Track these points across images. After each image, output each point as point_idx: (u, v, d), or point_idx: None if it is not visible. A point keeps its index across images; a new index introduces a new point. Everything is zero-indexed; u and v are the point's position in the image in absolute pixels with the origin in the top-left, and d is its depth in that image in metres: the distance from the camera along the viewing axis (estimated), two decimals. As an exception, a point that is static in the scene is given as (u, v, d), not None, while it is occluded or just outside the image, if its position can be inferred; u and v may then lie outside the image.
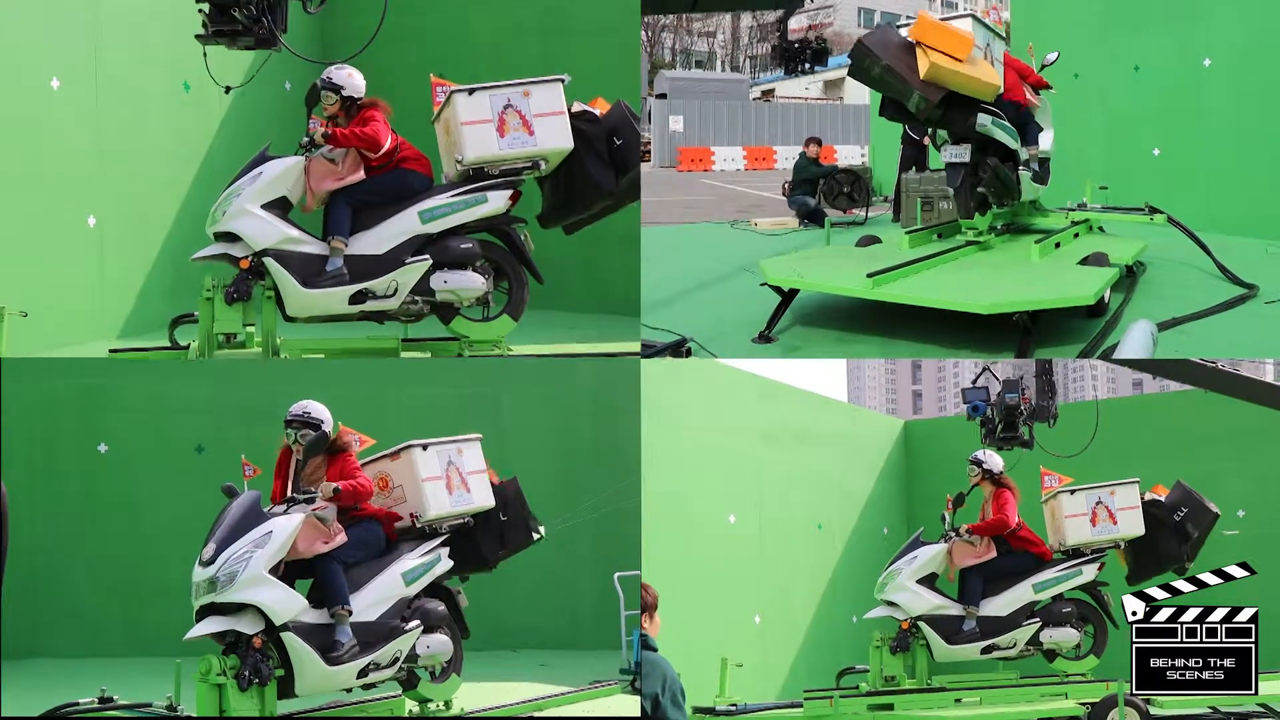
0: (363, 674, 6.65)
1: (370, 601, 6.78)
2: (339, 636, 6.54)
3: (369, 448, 7.35)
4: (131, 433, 10.89)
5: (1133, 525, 9.83)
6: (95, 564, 10.75)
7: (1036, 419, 9.85)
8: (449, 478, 7.36)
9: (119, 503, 10.82)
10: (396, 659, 6.85)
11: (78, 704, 6.58)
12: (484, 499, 7.53)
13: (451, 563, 7.28)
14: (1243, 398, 8.51)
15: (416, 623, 6.97)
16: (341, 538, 6.70)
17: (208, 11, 6.54)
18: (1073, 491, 9.83)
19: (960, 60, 8.91)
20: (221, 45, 6.70)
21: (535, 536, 7.78)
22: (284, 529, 6.38)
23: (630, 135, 7.59)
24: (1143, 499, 10.00)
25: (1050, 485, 9.99)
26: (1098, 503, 9.78)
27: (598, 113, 7.70)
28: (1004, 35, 9.87)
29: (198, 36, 6.67)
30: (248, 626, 6.22)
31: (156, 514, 10.71)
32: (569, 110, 7.56)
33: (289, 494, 6.76)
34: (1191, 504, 9.91)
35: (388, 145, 7.38)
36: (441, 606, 7.19)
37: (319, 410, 7.09)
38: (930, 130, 14.79)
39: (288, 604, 6.33)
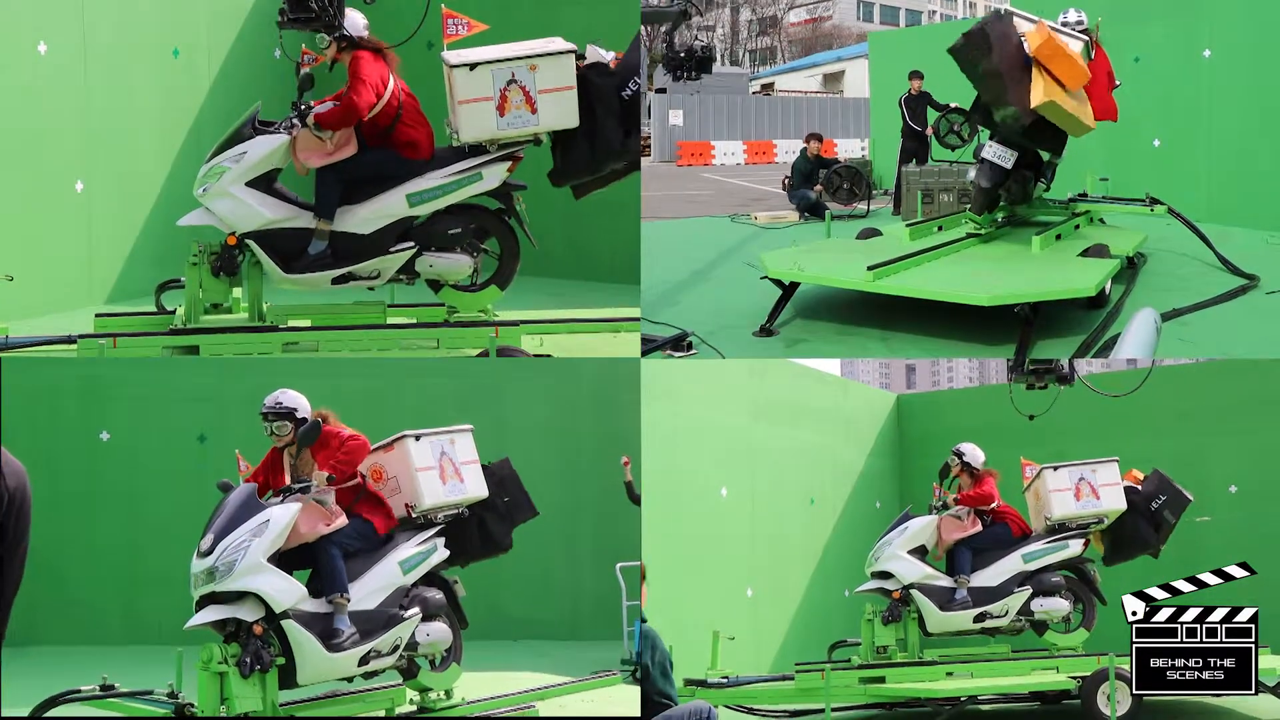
0: (364, 661, 6.63)
1: (368, 590, 6.73)
2: (338, 624, 6.49)
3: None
4: (134, 421, 10.88)
5: (1115, 501, 9.86)
6: (96, 552, 10.74)
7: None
8: (442, 468, 7.20)
9: (121, 491, 10.81)
10: (397, 646, 6.82)
11: (79, 691, 6.56)
12: (477, 489, 7.39)
13: (448, 553, 7.22)
14: None
15: (415, 610, 6.92)
16: (342, 520, 6.64)
17: (286, 3, 7.12)
18: (1056, 468, 9.91)
19: (1070, 91, 8.55)
20: (294, 30, 7.20)
21: (536, 512, 7.68)
22: (281, 517, 6.34)
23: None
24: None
25: (1029, 476, 10.13)
26: (1080, 479, 9.86)
27: (610, 65, 7.33)
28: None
29: (278, 23, 7.21)
30: (248, 614, 6.20)
31: (158, 503, 10.71)
32: (585, 57, 7.27)
33: (285, 486, 6.67)
34: (1169, 491, 9.97)
35: (384, 102, 7.16)
36: (440, 595, 7.15)
37: (291, 398, 6.86)
38: (930, 123, 14.87)
39: (287, 591, 6.30)
